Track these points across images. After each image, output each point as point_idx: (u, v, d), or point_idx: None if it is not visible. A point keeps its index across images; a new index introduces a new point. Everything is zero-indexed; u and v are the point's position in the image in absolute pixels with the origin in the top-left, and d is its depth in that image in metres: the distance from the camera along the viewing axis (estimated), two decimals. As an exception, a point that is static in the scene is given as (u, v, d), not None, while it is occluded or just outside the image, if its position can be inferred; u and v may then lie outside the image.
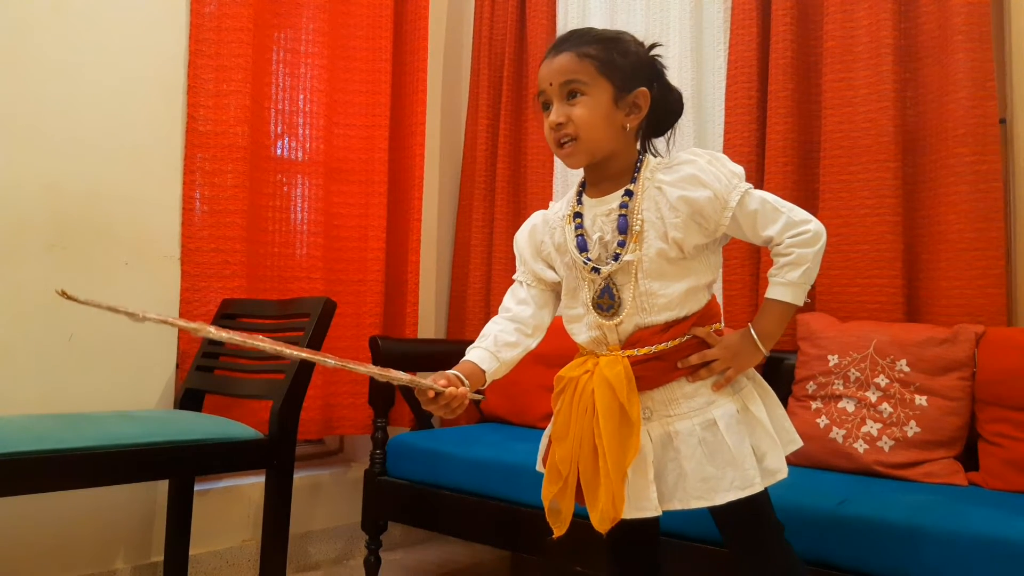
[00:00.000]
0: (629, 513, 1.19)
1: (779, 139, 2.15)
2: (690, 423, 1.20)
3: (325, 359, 1.06)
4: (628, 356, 1.21)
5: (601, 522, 1.17)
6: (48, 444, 1.52)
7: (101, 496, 2.00)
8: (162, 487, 2.10)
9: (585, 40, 1.24)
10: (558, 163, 2.71)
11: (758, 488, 1.17)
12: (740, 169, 1.23)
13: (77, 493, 1.93)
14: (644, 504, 1.19)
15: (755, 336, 1.23)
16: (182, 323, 1.00)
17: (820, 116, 2.13)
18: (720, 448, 1.18)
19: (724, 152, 2.25)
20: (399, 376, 1.11)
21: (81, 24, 2.04)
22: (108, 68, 2.09)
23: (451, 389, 1.15)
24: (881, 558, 1.41)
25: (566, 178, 2.69)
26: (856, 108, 2.05)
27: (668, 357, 1.21)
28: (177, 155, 2.21)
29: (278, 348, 1.02)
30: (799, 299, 1.23)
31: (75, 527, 1.99)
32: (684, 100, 1.32)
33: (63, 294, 0.91)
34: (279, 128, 2.49)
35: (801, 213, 1.22)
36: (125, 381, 2.08)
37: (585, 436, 1.19)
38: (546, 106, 1.26)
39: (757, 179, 2.21)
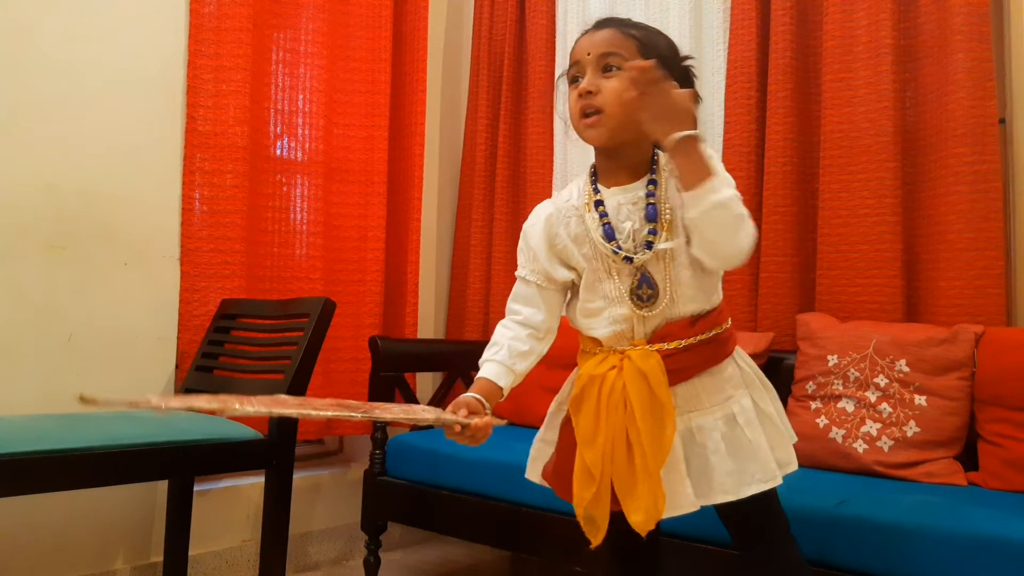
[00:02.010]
0: (667, 512, 1.16)
1: (779, 139, 2.15)
2: (712, 418, 1.20)
3: (353, 415, 1.02)
4: (658, 350, 1.19)
5: (645, 523, 1.13)
6: (48, 444, 1.52)
7: (101, 496, 2.00)
8: (162, 487, 2.10)
9: (629, 23, 1.24)
10: (558, 163, 2.71)
11: (779, 480, 1.18)
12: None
13: (77, 493, 1.92)
14: (681, 501, 1.18)
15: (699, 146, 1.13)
16: (207, 404, 0.93)
17: (820, 116, 2.13)
18: (740, 442, 1.18)
19: (724, 152, 2.26)
20: (425, 417, 1.10)
21: (80, 24, 2.04)
22: (107, 68, 2.08)
23: (476, 420, 1.13)
24: (881, 558, 1.41)
25: (566, 178, 2.68)
26: (856, 108, 2.05)
27: (696, 349, 1.20)
28: (176, 155, 2.21)
29: (304, 412, 0.98)
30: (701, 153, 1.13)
31: (75, 527, 1.99)
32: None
33: (83, 400, 0.89)
34: (278, 128, 2.49)
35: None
36: (124, 381, 2.08)
37: (618, 435, 1.16)
38: (575, 79, 1.24)
39: (757, 180, 2.21)
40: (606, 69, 1.20)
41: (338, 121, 2.59)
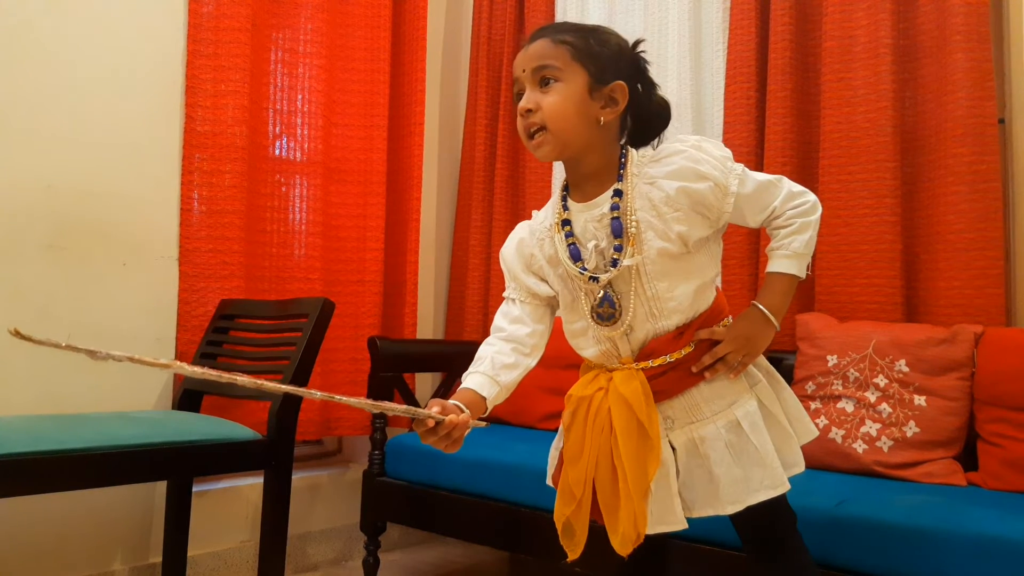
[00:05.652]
0: (653, 528, 1.16)
1: (778, 139, 2.15)
2: (715, 427, 1.18)
3: (311, 393, 1.01)
4: (643, 369, 1.17)
5: (623, 545, 1.14)
6: (46, 445, 1.51)
7: (99, 497, 1.99)
8: (160, 488, 2.10)
9: (563, 28, 1.19)
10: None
11: (787, 486, 1.17)
12: (728, 151, 1.19)
13: (75, 494, 1.92)
14: (669, 519, 1.17)
15: (765, 311, 1.20)
16: (150, 360, 0.88)
17: (819, 116, 2.13)
18: (746, 449, 1.17)
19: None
20: (393, 407, 1.03)
21: (79, 24, 2.04)
22: (106, 68, 2.08)
23: (451, 417, 1.05)
24: (880, 558, 1.41)
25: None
26: (855, 108, 2.05)
27: (684, 365, 1.18)
28: (175, 155, 2.21)
29: (259, 383, 0.93)
30: (802, 271, 1.21)
31: (73, 528, 1.99)
32: (679, 104, 1.29)
33: (16, 333, 0.84)
34: (277, 128, 2.49)
35: (797, 185, 1.22)
36: (123, 382, 2.08)
37: (602, 456, 1.16)
38: (519, 96, 1.20)
39: (756, 179, 2.21)
40: (543, 82, 1.16)
41: (337, 121, 2.59)
